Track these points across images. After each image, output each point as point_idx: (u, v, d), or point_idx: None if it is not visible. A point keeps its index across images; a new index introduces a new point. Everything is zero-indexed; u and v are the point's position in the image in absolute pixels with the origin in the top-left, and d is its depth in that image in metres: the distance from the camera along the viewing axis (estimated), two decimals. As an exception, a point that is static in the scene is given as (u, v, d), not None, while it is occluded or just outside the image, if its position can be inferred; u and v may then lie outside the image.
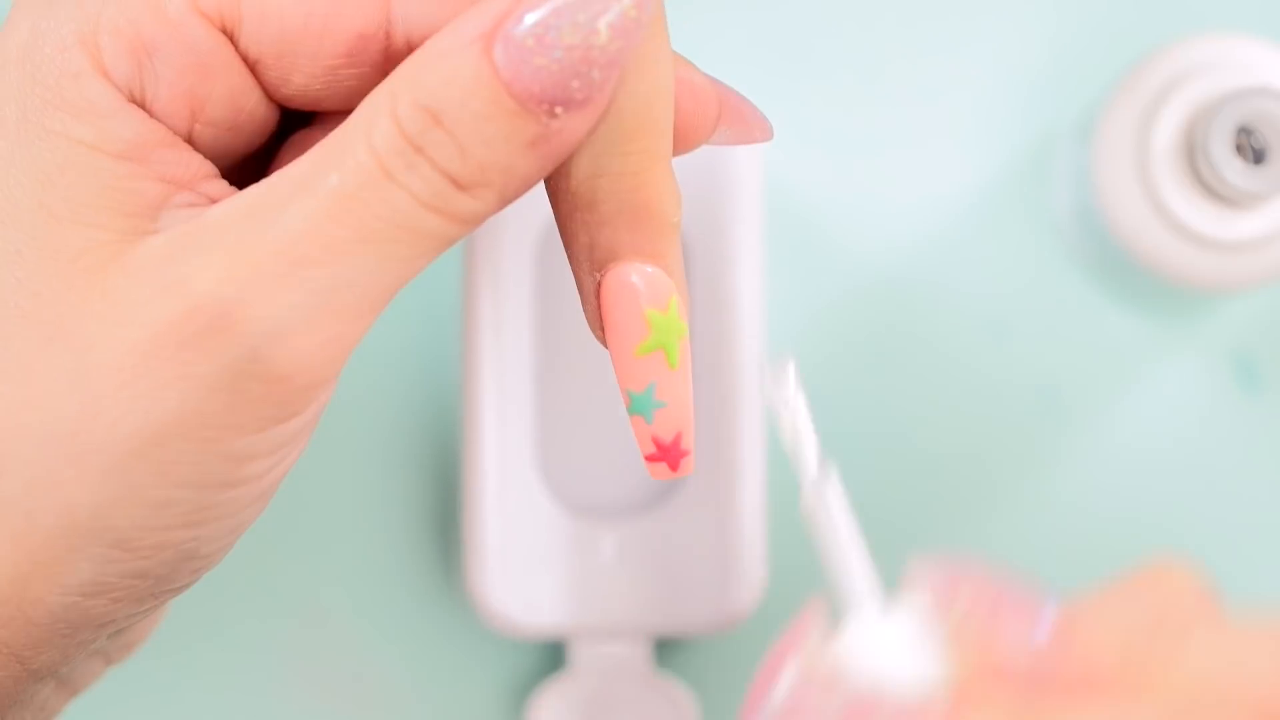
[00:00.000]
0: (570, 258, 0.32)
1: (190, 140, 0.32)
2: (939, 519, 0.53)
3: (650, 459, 0.33)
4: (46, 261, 0.30)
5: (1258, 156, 0.46)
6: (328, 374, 0.30)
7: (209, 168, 0.32)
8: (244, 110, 0.32)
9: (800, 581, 0.52)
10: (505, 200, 0.30)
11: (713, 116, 0.33)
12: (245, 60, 0.32)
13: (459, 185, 0.30)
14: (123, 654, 0.37)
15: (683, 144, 0.32)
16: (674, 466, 0.33)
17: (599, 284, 0.32)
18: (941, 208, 0.53)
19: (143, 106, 0.31)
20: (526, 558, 0.48)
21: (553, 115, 0.29)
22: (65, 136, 0.30)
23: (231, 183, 0.32)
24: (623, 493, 0.50)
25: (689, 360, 0.33)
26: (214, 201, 0.31)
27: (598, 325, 0.33)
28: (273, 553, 0.51)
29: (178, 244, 0.30)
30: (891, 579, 0.52)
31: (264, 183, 0.30)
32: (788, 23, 0.53)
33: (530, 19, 0.29)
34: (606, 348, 0.33)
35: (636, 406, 0.33)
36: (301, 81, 0.32)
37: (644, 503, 0.50)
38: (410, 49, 0.31)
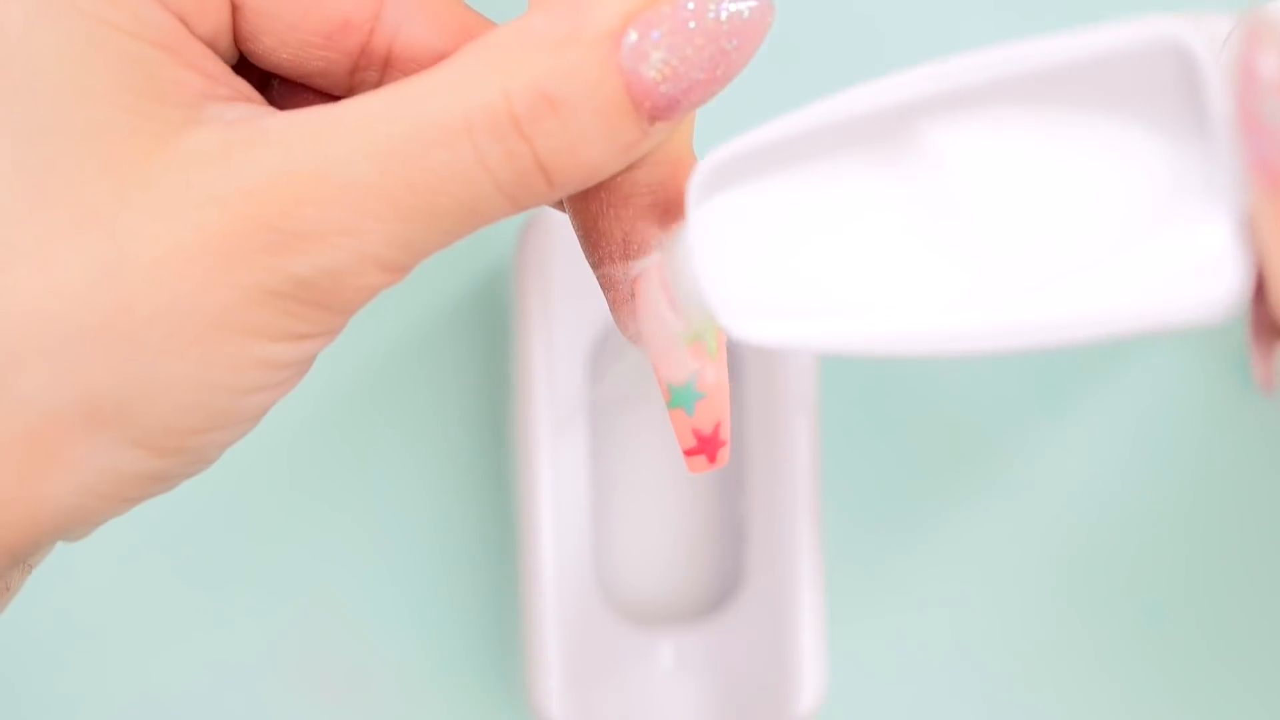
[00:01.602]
0: (601, 258, 0.32)
1: None
2: (938, 517, 0.53)
3: (689, 453, 0.33)
4: (80, 143, 0.29)
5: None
6: (354, 306, 0.30)
7: (226, 67, 0.31)
8: (217, 49, 0.31)
9: (862, 686, 0.52)
10: (559, 199, 0.31)
11: None
12: (231, 2, 0.31)
13: (548, 177, 0.30)
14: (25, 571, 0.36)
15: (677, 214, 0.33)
16: (712, 458, 0.33)
17: (635, 279, 0.32)
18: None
19: None
20: (587, 668, 0.49)
21: (654, 121, 0.30)
22: (99, 19, 0.29)
23: None
24: (680, 600, 0.50)
25: (725, 349, 0.33)
26: (248, 100, 0.30)
27: (631, 323, 0.32)
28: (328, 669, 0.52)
29: (233, 147, 0.29)
30: (892, 578, 0.53)
31: (329, 114, 0.29)
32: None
33: (660, 25, 0.29)
34: (642, 344, 0.32)
35: (677, 400, 0.33)
36: (270, 44, 0.31)
37: (702, 610, 0.50)
38: (390, 56, 0.32)
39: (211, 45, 0.31)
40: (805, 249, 0.31)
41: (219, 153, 0.29)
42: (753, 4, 0.29)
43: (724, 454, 0.33)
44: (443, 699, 0.52)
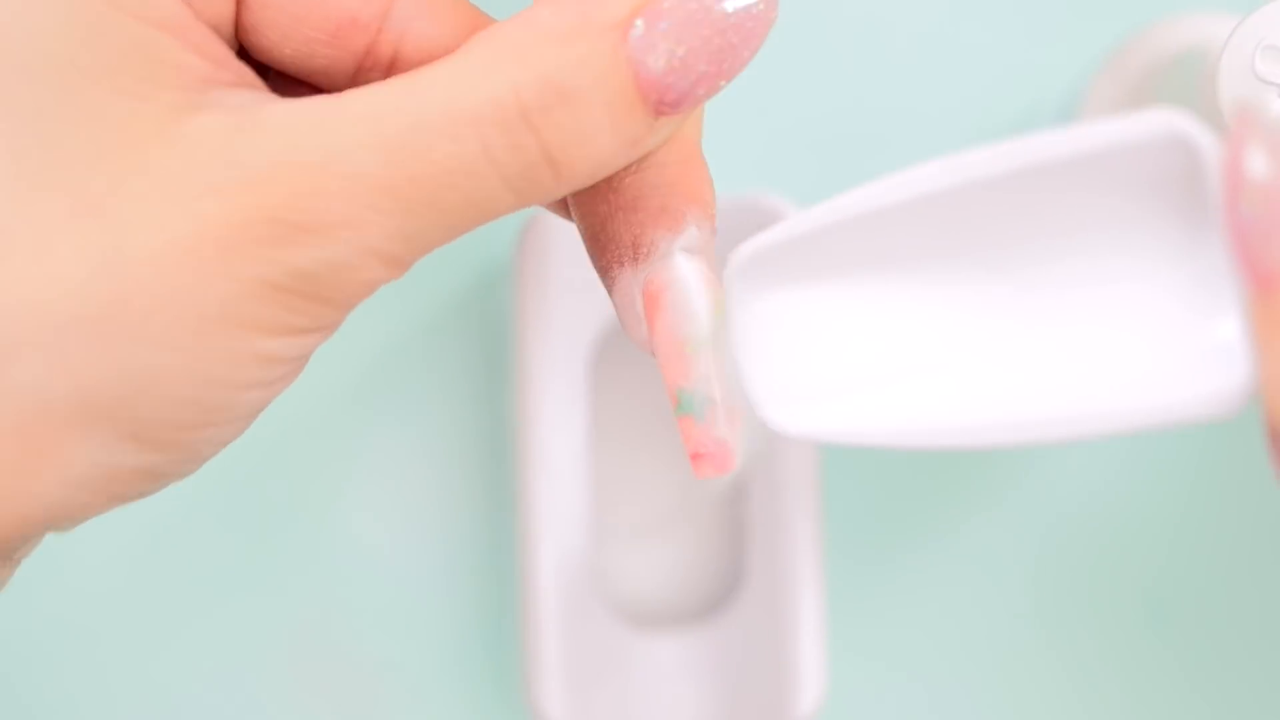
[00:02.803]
0: (609, 263, 0.32)
1: None
2: (938, 517, 0.53)
3: (697, 458, 0.33)
4: (78, 127, 0.28)
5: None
6: (353, 302, 0.30)
7: (230, 54, 0.31)
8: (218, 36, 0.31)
9: (862, 686, 0.52)
10: (564, 194, 0.30)
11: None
12: None
13: (556, 171, 0.29)
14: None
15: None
16: (720, 465, 0.33)
17: (645, 281, 0.32)
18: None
19: None
20: (587, 669, 0.49)
21: (660, 115, 0.29)
22: None
23: None
24: (680, 601, 0.50)
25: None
26: (251, 86, 0.30)
27: (639, 328, 0.32)
28: (327, 666, 0.52)
29: (234, 134, 0.29)
30: (892, 579, 0.53)
31: (332, 103, 0.29)
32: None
33: (667, 16, 0.29)
34: (651, 349, 0.32)
35: (685, 406, 0.32)
36: (274, 39, 0.31)
37: (702, 610, 0.50)
38: (395, 57, 0.31)
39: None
40: (843, 348, 0.31)
41: (220, 141, 0.29)
42: None
43: (733, 461, 0.33)
44: (443, 699, 0.52)
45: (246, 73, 0.30)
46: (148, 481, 0.30)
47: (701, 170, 0.31)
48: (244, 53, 0.32)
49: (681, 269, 0.31)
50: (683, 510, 0.51)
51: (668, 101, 0.29)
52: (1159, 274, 0.29)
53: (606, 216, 0.32)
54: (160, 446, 0.30)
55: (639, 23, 0.29)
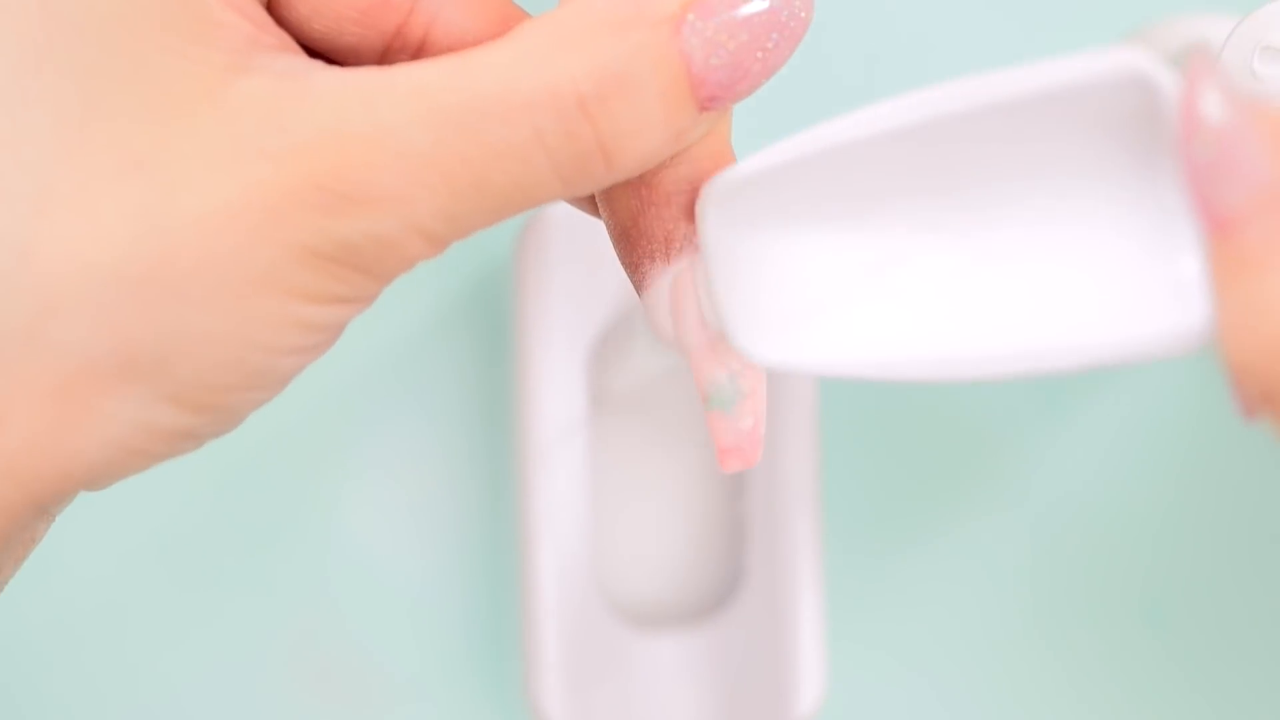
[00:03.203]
0: (640, 258, 0.32)
1: None
2: (938, 517, 0.53)
3: (725, 453, 0.33)
4: (124, 85, 0.28)
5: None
6: (392, 275, 0.30)
7: (268, 18, 0.31)
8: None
9: (862, 686, 0.52)
10: (608, 185, 0.30)
11: None
12: None
13: (608, 160, 0.29)
14: None
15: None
16: (748, 457, 0.33)
17: (674, 276, 0.32)
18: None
19: None
20: (587, 669, 0.49)
21: (704, 109, 0.30)
22: None
23: None
24: (680, 601, 0.50)
25: None
26: (294, 52, 0.30)
27: (669, 323, 0.32)
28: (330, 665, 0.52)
29: (283, 100, 0.29)
30: (892, 578, 0.53)
31: (383, 76, 0.29)
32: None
33: (719, 10, 0.29)
34: (680, 345, 0.32)
35: (716, 400, 0.32)
36: (305, 13, 0.31)
37: (702, 610, 0.50)
38: (424, 41, 0.31)
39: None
40: (812, 281, 0.31)
41: (268, 105, 0.28)
42: None
43: (758, 452, 0.33)
44: (443, 699, 0.52)
45: (286, 38, 0.30)
46: (185, 441, 0.30)
47: (732, 161, 0.31)
48: None
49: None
50: (682, 510, 0.51)
51: (715, 95, 0.30)
52: (1121, 211, 0.29)
53: (638, 211, 0.32)
54: (199, 408, 0.30)
55: (690, 16, 0.29)
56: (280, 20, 0.31)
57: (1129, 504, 0.53)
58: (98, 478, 0.30)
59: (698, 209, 0.31)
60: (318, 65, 0.29)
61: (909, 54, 0.53)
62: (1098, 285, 0.29)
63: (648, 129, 0.29)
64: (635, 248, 0.32)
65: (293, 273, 0.29)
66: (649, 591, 0.50)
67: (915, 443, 0.52)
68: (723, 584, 0.51)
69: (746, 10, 0.29)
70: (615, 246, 0.32)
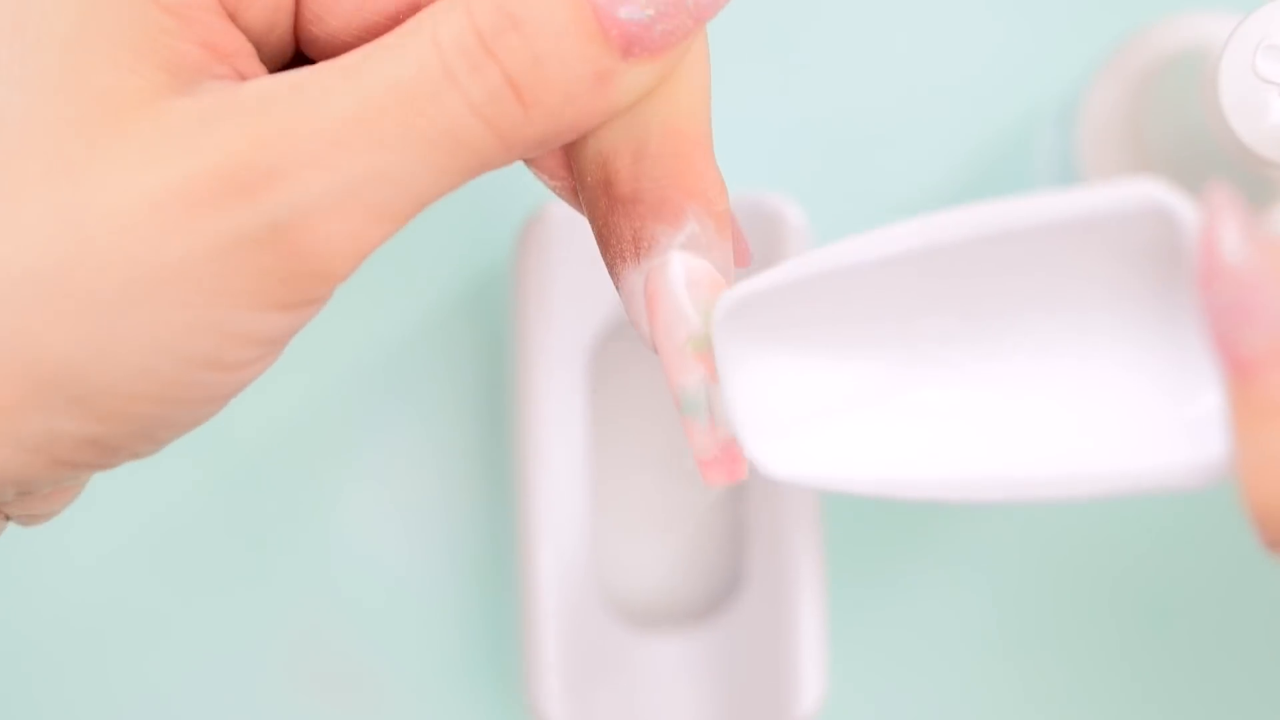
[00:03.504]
0: (614, 259, 0.32)
1: None
2: (939, 517, 0.53)
3: (705, 464, 0.32)
4: (64, 91, 0.28)
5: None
6: (339, 269, 0.29)
7: (249, 47, 0.30)
8: (274, 31, 0.31)
9: (862, 686, 0.52)
10: (548, 139, 0.30)
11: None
12: None
13: (520, 96, 0.29)
14: (29, 521, 0.34)
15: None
16: (731, 473, 0.32)
17: (645, 278, 0.31)
18: (918, 195, 0.53)
19: None
20: (586, 669, 0.49)
21: (627, 55, 0.29)
22: None
23: None
24: (680, 601, 0.50)
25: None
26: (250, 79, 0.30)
27: (644, 323, 0.32)
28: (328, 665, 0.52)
29: (213, 107, 0.28)
30: (892, 579, 0.53)
31: (309, 68, 0.29)
32: (763, 7, 0.53)
33: None
34: (654, 346, 0.32)
35: (688, 407, 0.32)
36: (336, 26, 0.31)
37: (702, 610, 0.50)
38: None
39: (267, 28, 0.31)
40: (828, 398, 0.31)
41: (200, 113, 0.28)
42: None
43: (743, 468, 0.32)
44: (443, 699, 0.52)
45: (251, 74, 0.30)
46: (95, 451, 0.29)
47: (704, 166, 0.31)
48: (299, 55, 0.32)
49: (673, 266, 0.31)
50: (682, 510, 0.51)
51: (631, 37, 0.29)
52: (1136, 342, 0.29)
53: (608, 211, 0.31)
54: (107, 416, 0.29)
55: None
56: (312, 39, 0.31)
57: (1130, 505, 0.53)
58: (17, 481, 0.29)
59: (712, 318, 0.31)
60: (255, 81, 0.29)
61: (909, 54, 0.53)
62: (1109, 416, 0.29)
63: (553, 64, 0.29)
64: (609, 249, 0.32)
65: (215, 270, 0.28)
66: (649, 592, 0.50)
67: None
68: (723, 584, 0.51)
69: None
70: (599, 252, 0.32)
